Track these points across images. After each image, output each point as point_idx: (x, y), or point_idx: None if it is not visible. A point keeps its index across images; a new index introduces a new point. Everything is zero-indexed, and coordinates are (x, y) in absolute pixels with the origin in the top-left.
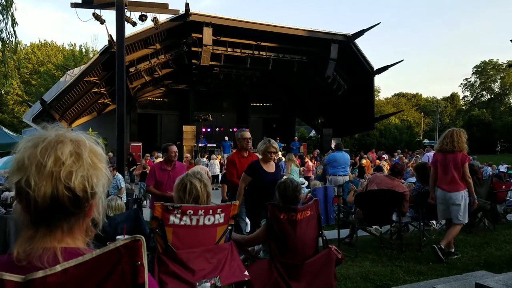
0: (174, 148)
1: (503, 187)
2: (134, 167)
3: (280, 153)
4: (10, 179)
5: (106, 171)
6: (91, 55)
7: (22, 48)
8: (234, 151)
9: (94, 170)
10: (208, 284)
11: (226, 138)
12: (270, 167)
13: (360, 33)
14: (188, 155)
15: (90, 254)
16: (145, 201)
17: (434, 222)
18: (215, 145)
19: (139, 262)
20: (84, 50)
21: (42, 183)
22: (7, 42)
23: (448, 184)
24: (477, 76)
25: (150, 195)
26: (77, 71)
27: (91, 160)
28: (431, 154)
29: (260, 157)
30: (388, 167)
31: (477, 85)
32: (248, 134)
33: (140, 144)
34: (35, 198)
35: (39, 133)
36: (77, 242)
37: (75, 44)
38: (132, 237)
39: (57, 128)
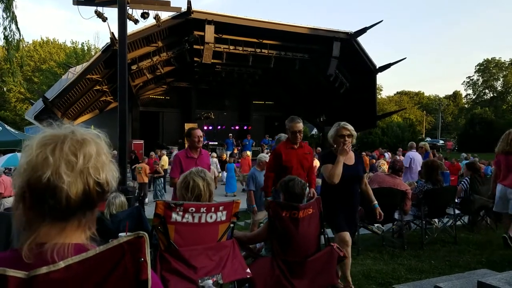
0: (199, 132)
1: None
2: (136, 164)
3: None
4: (26, 176)
5: (115, 167)
6: (93, 53)
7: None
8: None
9: (110, 165)
10: (211, 281)
11: (230, 135)
12: (348, 158)
13: (363, 31)
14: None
15: (93, 251)
16: (146, 199)
17: (436, 220)
18: (216, 143)
19: (142, 259)
20: (86, 47)
21: (74, 180)
22: (11, 40)
23: (510, 180)
24: (480, 74)
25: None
26: (79, 68)
27: (108, 155)
28: (414, 154)
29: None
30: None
31: (480, 83)
32: (300, 126)
33: (142, 142)
34: (68, 194)
35: (51, 131)
36: (83, 237)
37: (77, 41)
38: (135, 233)
39: (66, 125)
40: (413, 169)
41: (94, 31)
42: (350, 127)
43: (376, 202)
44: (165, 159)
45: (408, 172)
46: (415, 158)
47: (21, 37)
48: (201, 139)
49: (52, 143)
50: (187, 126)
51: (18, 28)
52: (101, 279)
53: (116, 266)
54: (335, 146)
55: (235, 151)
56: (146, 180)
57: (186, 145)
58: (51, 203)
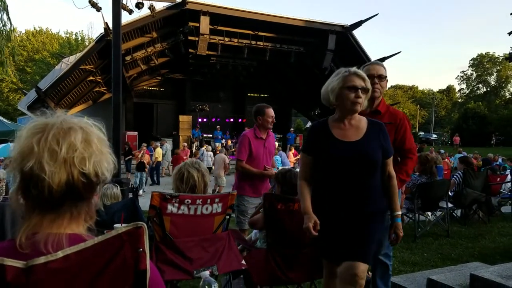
0: (272, 112)
1: (498, 179)
2: (130, 156)
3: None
4: (16, 165)
5: (112, 156)
6: (86, 43)
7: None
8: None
9: (102, 155)
10: (208, 272)
11: (218, 127)
12: (351, 132)
13: (358, 24)
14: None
15: (92, 241)
16: (141, 191)
17: (429, 213)
18: (211, 135)
19: (141, 249)
20: (79, 38)
21: (57, 169)
22: (2, 30)
23: None
24: (474, 69)
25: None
26: (72, 59)
27: (99, 145)
28: None
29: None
30: None
31: (473, 78)
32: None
33: (136, 133)
34: (50, 184)
35: (43, 120)
36: (80, 228)
37: (71, 32)
38: (134, 224)
39: (59, 114)
40: None
41: (88, 21)
42: (364, 74)
43: (399, 213)
44: (158, 151)
45: None
46: None
47: (12, 27)
48: (274, 120)
49: (40, 132)
50: (182, 118)
51: (9, 18)
52: (100, 269)
53: (115, 256)
54: (335, 105)
55: (229, 143)
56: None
57: (255, 124)
58: (34, 192)
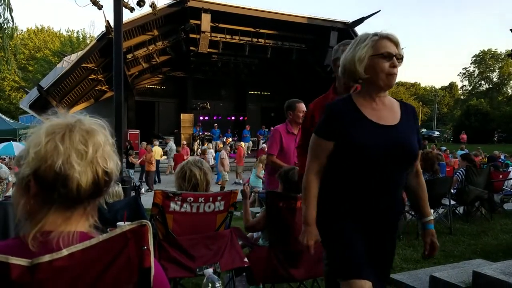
0: (303, 106)
1: (500, 176)
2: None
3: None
4: (35, 163)
5: (117, 156)
6: (88, 41)
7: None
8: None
9: (114, 155)
10: (211, 270)
11: (216, 125)
12: (386, 113)
13: (360, 20)
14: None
15: (96, 239)
16: (142, 189)
17: (431, 210)
18: (209, 134)
19: (145, 247)
20: (81, 36)
21: (84, 169)
22: (5, 28)
23: None
24: (476, 65)
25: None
26: (74, 57)
27: (111, 146)
28: None
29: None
30: None
31: (476, 75)
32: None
33: (138, 131)
34: (79, 183)
35: (59, 120)
36: (86, 226)
37: (73, 30)
38: (139, 222)
39: (72, 115)
40: None
41: (90, 20)
42: (397, 37)
43: (432, 218)
44: (157, 150)
45: None
46: None
47: (15, 26)
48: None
49: (60, 132)
50: (183, 116)
51: (12, 16)
52: (104, 267)
53: (119, 254)
54: (362, 81)
55: (228, 141)
56: (153, 168)
57: (287, 120)
58: (62, 191)
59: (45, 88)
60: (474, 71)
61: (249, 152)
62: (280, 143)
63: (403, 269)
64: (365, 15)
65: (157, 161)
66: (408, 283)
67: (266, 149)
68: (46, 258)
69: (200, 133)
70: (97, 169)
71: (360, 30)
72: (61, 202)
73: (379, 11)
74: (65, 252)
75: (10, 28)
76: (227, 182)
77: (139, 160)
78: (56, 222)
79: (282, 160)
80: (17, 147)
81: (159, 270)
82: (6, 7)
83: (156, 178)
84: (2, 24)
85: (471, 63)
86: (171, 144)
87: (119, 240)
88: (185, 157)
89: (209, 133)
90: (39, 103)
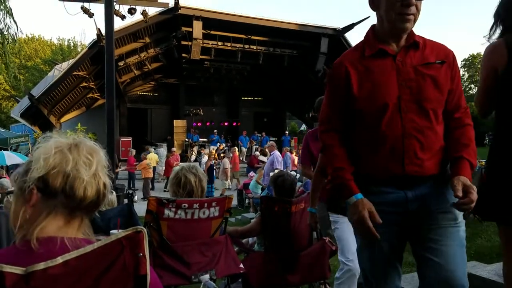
0: None
1: None
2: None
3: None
4: (42, 172)
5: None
6: (79, 50)
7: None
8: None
9: (106, 174)
10: (207, 276)
11: (215, 131)
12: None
13: (350, 27)
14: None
15: (91, 246)
16: (136, 196)
17: None
18: (206, 139)
19: (141, 254)
20: (72, 44)
21: (91, 179)
22: (6, 33)
23: None
24: (465, 69)
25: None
26: (65, 65)
27: (105, 166)
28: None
29: None
30: None
31: (465, 79)
32: None
33: (130, 139)
34: (85, 190)
35: (63, 139)
36: (80, 233)
37: (63, 38)
38: (134, 228)
39: (74, 136)
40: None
41: (81, 28)
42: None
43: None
44: (153, 157)
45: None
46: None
47: (19, 29)
48: None
49: (67, 146)
50: (176, 123)
51: (14, 21)
52: (100, 274)
53: (115, 261)
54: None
55: (221, 147)
56: (150, 175)
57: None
58: (68, 195)
59: (36, 97)
60: (463, 75)
61: (244, 159)
62: (308, 151)
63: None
64: (355, 21)
65: (154, 168)
66: (404, 287)
67: (258, 156)
68: (41, 266)
69: (195, 140)
70: (99, 181)
71: (350, 36)
72: (64, 207)
73: (369, 17)
74: (59, 260)
75: (12, 34)
76: (228, 190)
77: (126, 168)
78: (57, 228)
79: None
80: (9, 156)
81: (154, 277)
82: (6, 13)
83: (150, 185)
84: (3, 30)
85: (461, 67)
86: (161, 150)
87: (114, 247)
88: (174, 164)
89: (206, 140)
90: (31, 112)
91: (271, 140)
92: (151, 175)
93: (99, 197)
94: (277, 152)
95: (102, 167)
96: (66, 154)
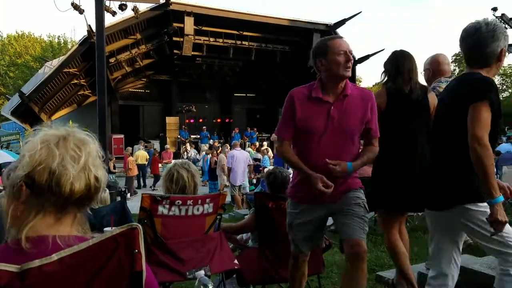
0: (344, 44)
1: None
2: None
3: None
4: (31, 166)
5: (105, 168)
6: (69, 46)
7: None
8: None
9: (102, 165)
10: (203, 272)
11: (204, 128)
12: None
13: (342, 22)
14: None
15: (86, 243)
16: (129, 194)
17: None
18: (199, 136)
19: (136, 250)
20: (62, 41)
21: (78, 173)
22: None
23: None
24: (456, 64)
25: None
26: (56, 62)
27: (100, 157)
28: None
29: None
30: None
31: (456, 74)
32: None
33: (122, 136)
34: (73, 185)
35: (53, 130)
36: (79, 229)
37: (54, 35)
38: (129, 225)
39: (65, 127)
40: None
41: (71, 24)
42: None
43: None
44: (140, 154)
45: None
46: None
47: None
48: None
49: (55, 139)
50: (168, 119)
51: None
52: (95, 271)
53: (110, 258)
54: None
55: (216, 144)
56: (131, 173)
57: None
58: (55, 192)
59: (26, 94)
60: (454, 70)
61: None
62: (293, 117)
63: (391, 267)
64: (346, 17)
65: (142, 165)
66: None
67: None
68: (36, 263)
69: (186, 137)
70: (89, 174)
71: (341, 31)
72: (52, 205)
73: (360, 12)
74: (54, 257)
75: None
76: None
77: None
78: (47, 226)
79: (300, 149)
80: (0, 154)
81: (149, 274)
82: None
83: (142, 182)
84: None
85: (452, 62)
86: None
87: (109, 244)
88: (166, 161)
89: (197, 136)
90: (21, 110)
91: (261, 136)
92: (135, 173)
93: (89, 190)
94: (235, 151)
95: (93, 159)
96: (53, 149)
